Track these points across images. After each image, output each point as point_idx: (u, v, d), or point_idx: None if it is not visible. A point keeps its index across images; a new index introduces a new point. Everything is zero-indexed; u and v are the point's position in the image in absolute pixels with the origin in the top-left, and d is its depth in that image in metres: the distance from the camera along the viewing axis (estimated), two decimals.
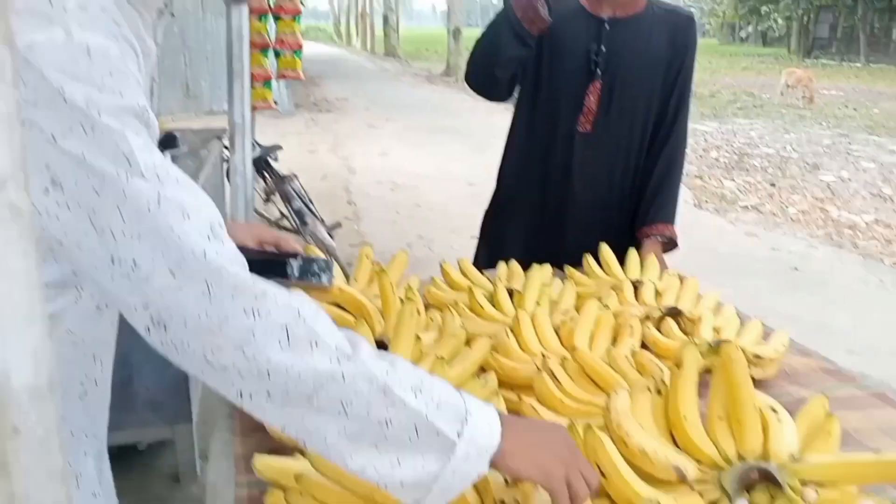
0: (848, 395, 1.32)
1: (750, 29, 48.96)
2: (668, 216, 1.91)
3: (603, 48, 1.87)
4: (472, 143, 9.32)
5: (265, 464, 0.98)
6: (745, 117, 12.97)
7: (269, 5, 3.81)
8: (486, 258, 2.01)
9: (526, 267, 1.67)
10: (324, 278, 1.22)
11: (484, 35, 1.87)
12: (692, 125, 9.69)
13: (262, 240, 1.25)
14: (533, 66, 1.93)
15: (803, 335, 1.53)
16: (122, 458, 2.57)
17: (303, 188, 4.24)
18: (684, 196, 6.85)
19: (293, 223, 4.09)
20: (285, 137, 9.66)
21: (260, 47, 3.78)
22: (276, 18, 3.82)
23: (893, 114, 13.84)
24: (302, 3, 3.84)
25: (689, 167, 8.29)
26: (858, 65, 30.26)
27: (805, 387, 1.33)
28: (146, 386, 2.43)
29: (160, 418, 2.49)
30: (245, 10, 3.59)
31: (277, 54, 3.80)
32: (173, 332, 0.68)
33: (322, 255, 1.30)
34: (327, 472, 0.86)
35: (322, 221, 4.14)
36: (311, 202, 4.24)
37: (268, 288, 0.70)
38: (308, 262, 1.23)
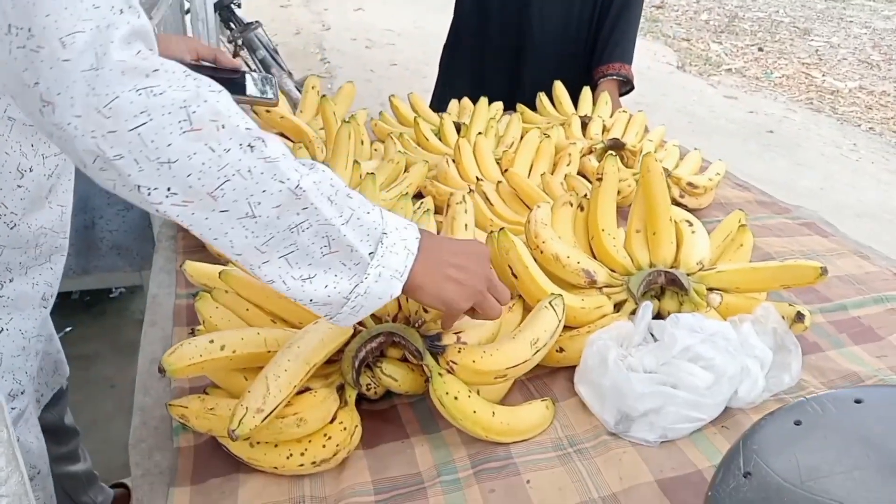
0: (778, 223, 1.36)
1: None
2: (625, 55, 1.87)
3: None
4: None
5: (194, 268, 1.01)
6: None
7: None
8: (442, 95, 1.98)
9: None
10: (270, 93, 1.16)
11: None
12: None
13: (200, 54, 1.18)
14: None
15: (772, 194, 1.53)
16: (96, 303, 2.64)
17: (267, 36, 4.08)
18: (667, 58, 6.72)
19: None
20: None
21: None
22: None
23: None
24: None
25: (678, 29, 8.04)
26: None
27: None
28: (109, 230, 2.46)
29: (127, 263, 2.54)
30: None
31: None
32: (60, 112, 0.59)
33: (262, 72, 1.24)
34: None
35: (290, 74, 4.02)
36: (278, 52, 4.10)
37: (163, 64, 0.61)
38: (253, 78, 1.18)
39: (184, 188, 0.62)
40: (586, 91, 1.76)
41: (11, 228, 0.85)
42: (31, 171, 0.83)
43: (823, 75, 6.47)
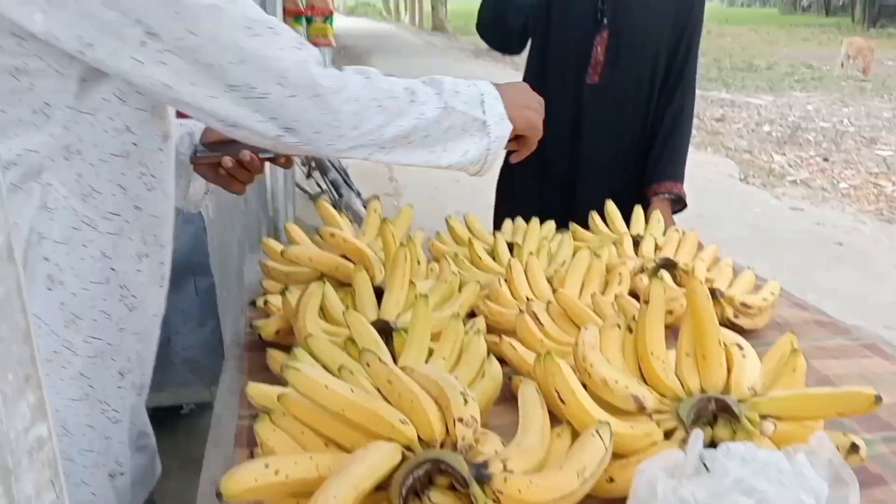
0: (837, 345, 1.33)
1: None
2: (677, 173, 1.92)
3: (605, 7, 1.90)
4: None
5: (257, 390, 1.06)
6: (802, 90, 12.55)
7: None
8: (501, 216, 2.05)
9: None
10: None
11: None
12: (745, 99, 9.39)
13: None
14: (542, 19, 1.97)
15: (842, 309, 1.50)
16: (166, 419, 2.72)
17: (339, 161, 4.33)
18: (729, 170, 6.75)
19: (331, 195, 4.20)
20: None
21: (293, 14, 3.89)
22: (309, 21, 3.95)
23: None
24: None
25: (739, 141, 8.11)
26: None
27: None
28: (183, 346, 2.57)
29: (199, 379, 2.63)
30: None
31: (309, 20, 3.91)
32: (300, 134, 0.85)
33: None
34: (307, 391, 0.93)
35: (358, 194, 4.23)
36: (347, 174, 4.33)
37: (343, 77, 0.89)
38: None
39: (389, 146, 0.94)
40: (638, 210, 1.80)
41: (131, 311, 0.97)
42: (147, 256, 0.97)
43: (893, 184, 6.35)
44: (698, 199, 5.17)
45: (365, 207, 4.08)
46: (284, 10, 3.85)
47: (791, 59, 17.96)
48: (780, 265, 4.25)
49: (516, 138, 1.11)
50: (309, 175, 4.68)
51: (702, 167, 6.82)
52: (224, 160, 1.13)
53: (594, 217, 1.78)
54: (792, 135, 8.56)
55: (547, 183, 2.05)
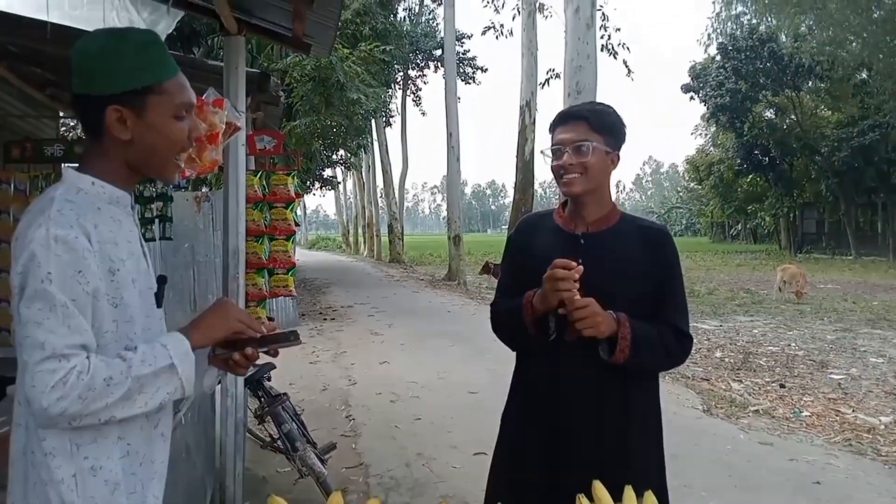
0: None
1: (739, 227, 51.18)
2: (640, 322, 1.89)
3: (580, 261, 1.91)
4: (472, 347, 9.32)
5: None
6: (745, 314, 13.06)
7: (265, 227, 3.97)
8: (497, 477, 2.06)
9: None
10: (294, 339, 1.58)
11: (501, 324, 2.08)
12: (693, 324, 9.65)
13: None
14: (522, 284, 1.97)
15: None
16: None
17: (294, 408, 4.13)
18: (692, 401, 6.69)
19: (284, 446, 3.93)
20: (288, 349, 9.66)
21: (255, 267, 3.89)
22: (271, 239, 3.98)
23: (893, 306, 13.91)
24: (296, 223, 4.00)
25: (695, 369, 8.17)
26: (850, 258, 31.12)
27: None
28: None
29: None
30: (242, 228, 3.75)
31: (271, 273, 3.90)
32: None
33: (284, 330, 1.60)
34: None
35: (314, 445, 3.97)
36: (303, 424, 4.10)
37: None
38: (284, 335, 1.58)
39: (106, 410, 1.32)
40: (629, 492, 1.66)
41: None
42: None
43: (853, 411, 6.35)
44: (669, 438, 5.02)
45: (320, 458, 3.81)
46: (248, 198, 3.86)
47: (729, 284, 18.94)
48: None
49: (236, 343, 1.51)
50: (262, 422, 4.43)
51: (665, 398, 6.74)
52: (234, 355, 1.51)
53: (582, 501, 1.63)
54: (744, 360, 8.68)
55: (531, 442, 1.97)
